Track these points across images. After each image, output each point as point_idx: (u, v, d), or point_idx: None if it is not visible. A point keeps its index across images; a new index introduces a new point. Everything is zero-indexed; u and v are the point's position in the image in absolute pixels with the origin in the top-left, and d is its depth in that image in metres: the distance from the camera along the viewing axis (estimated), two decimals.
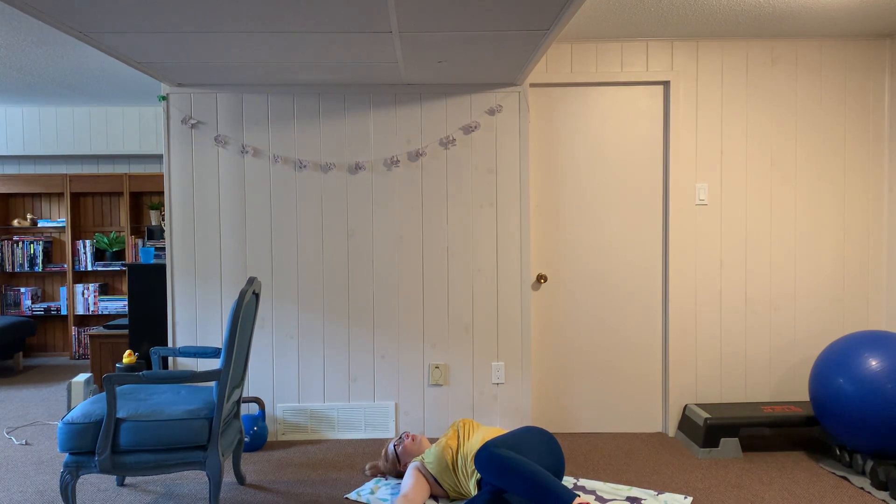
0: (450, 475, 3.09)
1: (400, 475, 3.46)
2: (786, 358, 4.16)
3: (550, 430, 4.22)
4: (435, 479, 3.14)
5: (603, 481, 3.40)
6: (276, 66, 3.55)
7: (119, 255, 6.61)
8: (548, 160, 4.14)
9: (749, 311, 4.14)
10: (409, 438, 3.45)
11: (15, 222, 6.58)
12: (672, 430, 4.13)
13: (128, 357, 4.35)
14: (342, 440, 4.07)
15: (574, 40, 4.05)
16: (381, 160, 4.04)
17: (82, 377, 4.42)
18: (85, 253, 6.57)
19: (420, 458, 3.27)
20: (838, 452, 3.60)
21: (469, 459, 3.03)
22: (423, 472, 3.18)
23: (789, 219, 4.13)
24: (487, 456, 2.77)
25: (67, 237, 6.54)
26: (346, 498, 3.22)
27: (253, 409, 4.08)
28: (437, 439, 3.66)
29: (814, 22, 3.79)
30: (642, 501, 3.11)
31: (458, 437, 3.17)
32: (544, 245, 4.16)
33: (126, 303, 6.48)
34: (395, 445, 3.46)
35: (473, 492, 2.98)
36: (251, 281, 3.11)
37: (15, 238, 6.60)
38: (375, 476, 3.50)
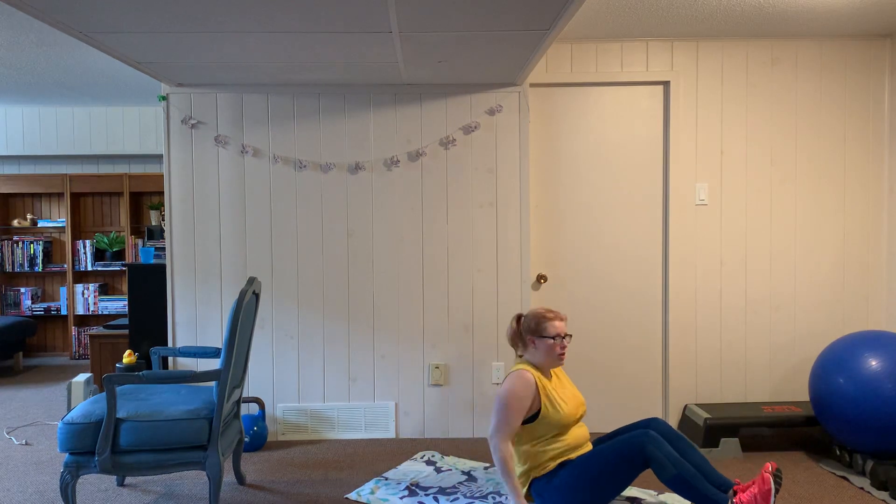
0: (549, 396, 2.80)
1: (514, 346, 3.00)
2: (786, 358, 4.16)
3: None
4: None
5: None
6: (276, 66, 3.55)
7: (119, 255, 6.61)
8: (548, 160, 4.14)
9: (749, 311, 4.14)
10: (560, 346, 2.84)
11: (15, 222, 6.58)
12: None
13: (128, 357, 4.35)
14: (342, 440, 4.07)
15: (574, 40, 4.05)
16: (381, 160, 4.04)
17: (82, 377, 4.42)
18: (85, 253, 6.57)
19: (523, 363, 2.85)
20: (838, 452, 3.60)
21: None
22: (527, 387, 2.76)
23: (789, 219, 4.13)
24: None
25: (67, 237, 6.54)
26: (347, 498, 3.22)
27: (253, 409, 4.08)
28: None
29: (814, 22, 3.79)
30: (642, 501, 3.10)
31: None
32: (544, 245, 4.16)
33: (126, 303, 6.48)
34: (536, 322, 2.86)
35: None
36: (251, 281, 3.11)
37: (15, 238, 6.60)
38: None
